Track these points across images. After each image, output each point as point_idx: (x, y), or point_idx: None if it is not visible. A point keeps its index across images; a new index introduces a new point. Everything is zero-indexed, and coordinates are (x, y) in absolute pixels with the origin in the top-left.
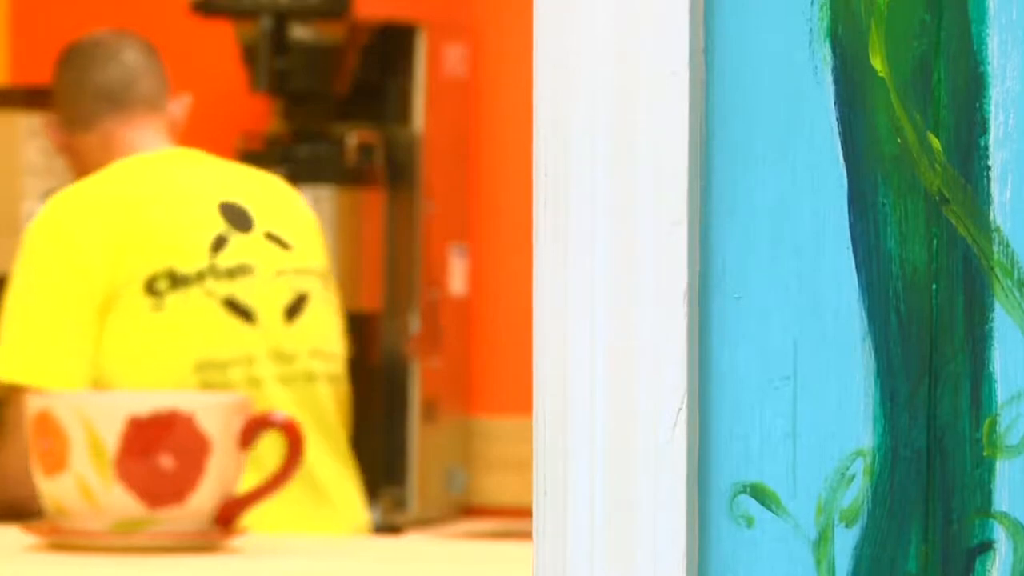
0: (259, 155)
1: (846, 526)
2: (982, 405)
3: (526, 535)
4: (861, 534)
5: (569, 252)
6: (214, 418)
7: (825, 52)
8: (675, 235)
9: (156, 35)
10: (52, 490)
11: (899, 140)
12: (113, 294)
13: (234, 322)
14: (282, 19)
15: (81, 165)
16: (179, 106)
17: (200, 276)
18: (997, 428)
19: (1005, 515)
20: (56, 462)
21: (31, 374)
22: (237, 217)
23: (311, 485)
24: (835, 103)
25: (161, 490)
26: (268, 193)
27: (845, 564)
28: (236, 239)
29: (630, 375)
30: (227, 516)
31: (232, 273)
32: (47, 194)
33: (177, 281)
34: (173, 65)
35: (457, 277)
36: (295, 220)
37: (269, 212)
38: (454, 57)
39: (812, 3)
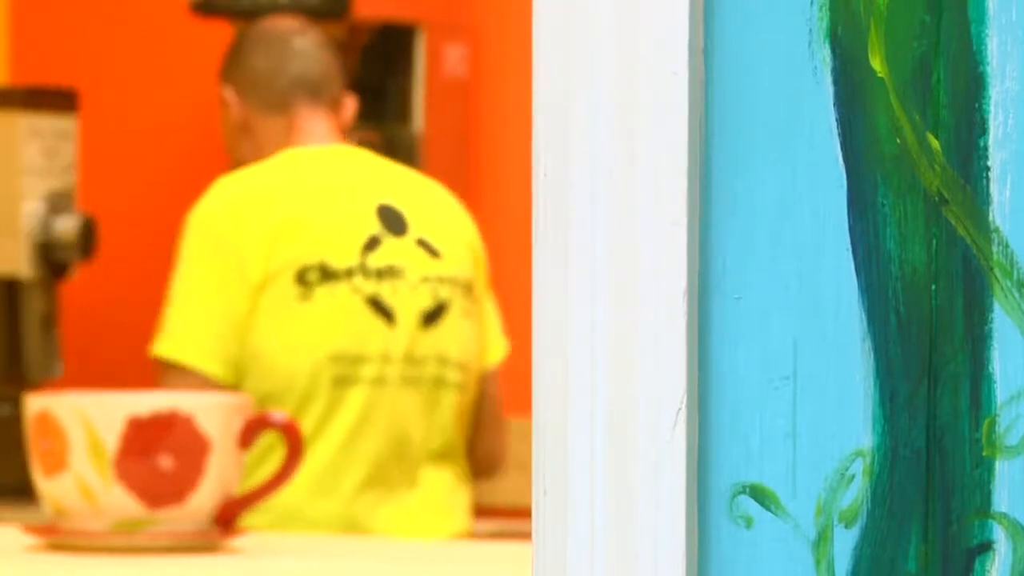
0: None
1: (846, 526)
2: (982, 405)
3: (526, 535)
4: (861, 534)
5: (569, 252)
6: (214, 418)
7: (825, 53)
8: (675, 235)
9: (156, 35)
10: (52, 490)
11: (898, 140)
12: (266, 280)
13: (375, 321)
14: None
15: (256, 145)
16: (348, 109)
17: (349, 273)
18: (996, 428)
19: (1004, 515)
20: (56, 462)
21: (175, 349)
22: (392, 220)
23: (415, 487)
24: (835, 103)
25: (161, 490)
26: (425, 199)
27: (845, 564)
28: (389, 242)
29: (630, 375)
30: (227, 516)
31: (380, 274)
32: (47, 194)
33: (327, 275)
34: (173, 65)
35: None
36: (448, 228)
37: (423, 218)
38: (454, 57)
39: (812, 3)
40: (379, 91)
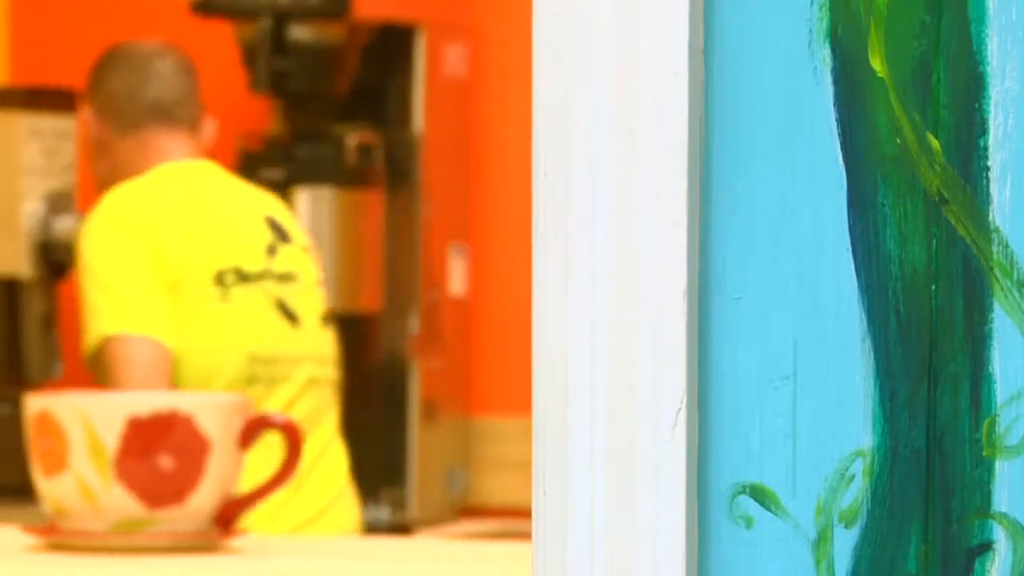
0: (259, 155)
1: (846, 526)
2: (981, 405)
3: (526, 535)
4: (861, 534)
5: (569, 252)
6: (214, 418)
7: (825, 53)
8: (675, 235)
9: (156, 35)
10: (52, 490)
11: (898, 140)
12: (181, 281)
13: (283, 323)
14: (282, 19)
15: (111, 161)
16: (208, 130)
17: (260, 276)
18: (996, 428)
19: (1004, 515)
20: (56, 462)
21: (122, 323)
22: (279, 230)
23: (302, 486)
24: (835, 103)
25: (161, 490)
26: (285, 212)
27: (845, 564)
28: (283, 249)
29: (630, 375)
30: (227, 516)
31: (283, 278)
32: (47, 194)
33: (242, 277)
34: None
35: (457, 277)
36: (305, 236)
37: (294, 228)
38: (454, 57)
39: (812, 3)
40: (379, 91)
